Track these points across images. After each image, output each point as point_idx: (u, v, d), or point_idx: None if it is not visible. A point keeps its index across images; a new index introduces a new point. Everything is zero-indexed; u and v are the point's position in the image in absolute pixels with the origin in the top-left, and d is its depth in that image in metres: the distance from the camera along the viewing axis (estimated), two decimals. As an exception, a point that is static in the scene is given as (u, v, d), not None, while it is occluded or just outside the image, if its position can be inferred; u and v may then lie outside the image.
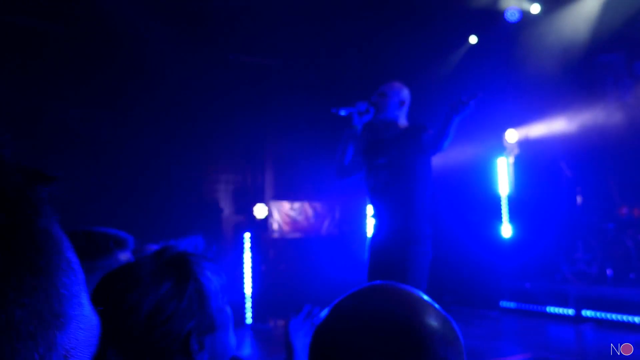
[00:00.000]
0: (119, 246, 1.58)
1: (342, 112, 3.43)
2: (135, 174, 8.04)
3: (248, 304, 7.05)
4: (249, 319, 7.02)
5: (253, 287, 7.11)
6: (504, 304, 7.49)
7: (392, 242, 3.29)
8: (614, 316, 6.19)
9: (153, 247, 1.87)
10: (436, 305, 0.78)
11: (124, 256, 1.53)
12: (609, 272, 6.65)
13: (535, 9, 8.07)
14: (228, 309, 1.04)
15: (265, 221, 7.43)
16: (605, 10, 7.63)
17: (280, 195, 9.21)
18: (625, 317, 6.08)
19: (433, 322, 0.75)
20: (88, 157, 7.62)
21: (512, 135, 7.77)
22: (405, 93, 3.50)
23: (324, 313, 0.79)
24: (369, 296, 0.80)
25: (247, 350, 6.18)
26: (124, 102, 8.20)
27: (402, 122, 3.47)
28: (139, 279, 0.96)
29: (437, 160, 9.39)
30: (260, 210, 7.31)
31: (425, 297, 0.78)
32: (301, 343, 1.53)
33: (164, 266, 0.99)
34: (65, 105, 7.68)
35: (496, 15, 8.19)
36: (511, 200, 7.90)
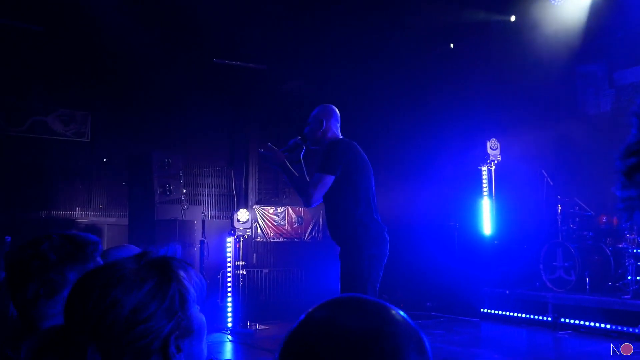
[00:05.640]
0: (96, 251, 1.62)
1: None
2: (114, 175, 7.98)
3: (229, 308, 7.03)
4: (229, 323, 6.99)
5: (234, 292, 7.08)
6: (484, 310, 7.55)
7: (339, 251, 3.41)
8: (592, 324, 6.28)
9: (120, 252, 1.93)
10: (405, 316, 0.80)
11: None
12: (587, 280, 6.73)
13: (513, 18, 8.12)
14: (203, 317, 1.05)
15: (249, 226, 7.42)
16: (586, 19, 7.74)
17: (264, 201, 9.21)
18: (602, 325, 6.18)
19: (403, 333, 0.77)
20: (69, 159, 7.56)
21: (494, 144, 7.84)
22: (324, 111, 3.55)
23: (295, 324, 0.80)
24: (340, 307, 0.80)
25: (227, 354, 6.15)
26: (106, 104, 8.15)
27: (329, 137, 3.51)
28: (122, 276, 0.97)
29: (419, 169, 9.27)
30: (243, 215, 7.29)
31: (394, 309, 0.80)
32: None
33: (147, 266, 1.01)
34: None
35: (476, 23, 8.24)
36: (493, 208, 7.97)
